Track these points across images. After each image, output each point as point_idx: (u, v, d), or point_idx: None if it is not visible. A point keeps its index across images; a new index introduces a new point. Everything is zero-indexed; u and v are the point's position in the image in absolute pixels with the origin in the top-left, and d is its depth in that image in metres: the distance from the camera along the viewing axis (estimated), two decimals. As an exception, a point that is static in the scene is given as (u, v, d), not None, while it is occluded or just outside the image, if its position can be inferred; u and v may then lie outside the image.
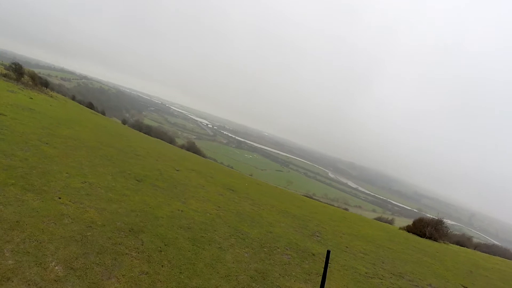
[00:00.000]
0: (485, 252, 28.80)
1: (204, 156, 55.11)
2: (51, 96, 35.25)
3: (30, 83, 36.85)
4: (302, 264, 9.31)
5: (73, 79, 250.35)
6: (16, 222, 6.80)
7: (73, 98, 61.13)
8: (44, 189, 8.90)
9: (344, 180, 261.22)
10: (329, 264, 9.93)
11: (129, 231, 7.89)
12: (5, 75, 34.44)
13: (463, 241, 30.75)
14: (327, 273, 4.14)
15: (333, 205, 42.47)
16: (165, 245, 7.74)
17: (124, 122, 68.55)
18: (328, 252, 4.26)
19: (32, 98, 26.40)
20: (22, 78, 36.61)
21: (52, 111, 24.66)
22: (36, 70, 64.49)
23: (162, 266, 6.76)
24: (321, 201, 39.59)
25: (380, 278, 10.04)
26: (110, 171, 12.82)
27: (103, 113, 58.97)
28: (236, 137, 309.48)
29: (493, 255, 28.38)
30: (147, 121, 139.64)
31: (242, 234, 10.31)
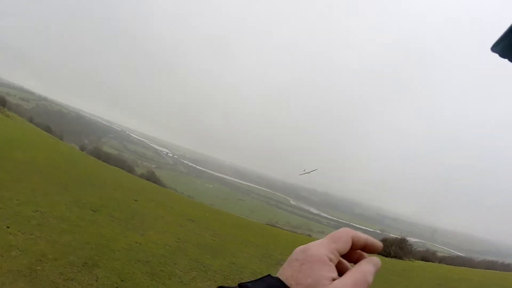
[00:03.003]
0: (451, 264, 29.52)
1: (164, 186, 53.96)
2: (8, 116, 33.95)
3: (-16, 100, 35.41)
4: (267, 296, 9.00)
5: (32, 99, 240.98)
6: (-44, 254, 6.21)
7: (31, 120, 59.14)
8: (-9, 219, 8.29)
9: (306, 207, 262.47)
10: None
11: (83, 265, 7.34)
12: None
13: (428, 256, 31.25)
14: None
15: (296, 232, 42.42)
16: (122, 280, 7.25)
17: (82, 148, 66.47)
18: None
19: (-16, 119, 25.23)
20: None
21: (7, 132, 23.72)
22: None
23: (119, 303, 6.31)
24: (284, 229, 39.49)
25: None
26: (65, 199, 12.18)
27: (61, 138, 57.05)
28: (197, 167, 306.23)
29: (459, 266, 29.20)
30: (106, 148, 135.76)
31: (204, 267, 9.92)
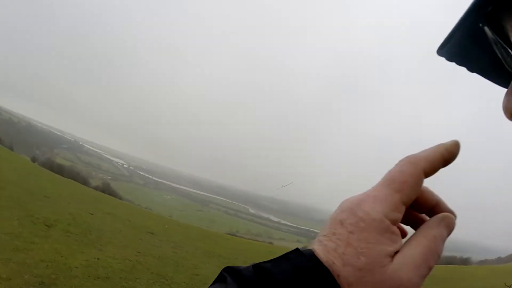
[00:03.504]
0: None
1: (120, 198, 52.87)
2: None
3: None
4: (232, 308, 8.93)
5: None
6: None
7: (-21, 130, 56.34)
8: None
9: (266, 215, 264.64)
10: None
11: (40, 284, 6.98)
12: None
13: None
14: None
15: (257, 240, 42.70)
16: (82, 298, 6.96)
17: (33, 160, 63.71)
18: None
19: None
20: None
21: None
22: None
23: (79, 324, 6.01)
24: (245, 238, 39.60)
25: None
26: (16, 215, 11.57)
27: (11, 149, 54.55)
28: (154, 178, 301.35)
29: None
30: (59, 160, 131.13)
31: (167, 280, 9.74)
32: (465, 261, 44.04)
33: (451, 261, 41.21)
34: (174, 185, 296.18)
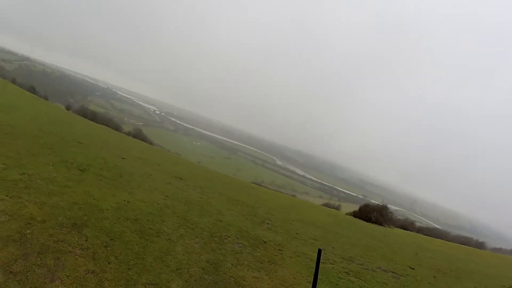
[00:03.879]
0: (427, 235, 31.03)
1: (151, 143, 53.94)
2: (-11, 79, 32.93)
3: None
4: (254, 253, 9.32)
5: (14, 60, 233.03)
6: None
7: (14, 82, 57.78)
8: (-23, 183, 8.22)
9: (292, 168, 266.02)
10: (281, 252, 10.03)
11: (72, 226, 7.37)
12: None
13: (406, 225, 32.76)
14: (318, 272, 4.00)
15: (281, 192, 43.15)
16: (111, 239, 7.37)
17: (68, 107, 65.39)
18: (319, 251, 4.02)
19: (-38, 81, 24.53)
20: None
21: (-12, 95, 23.07)
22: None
23: (109, 263, 6.42)
24: (269, 188, 40.09)
25: (331, 263, 10.30)
26: (51, 160, 12.01)
27: (46, 98, 56.07)
28: (184, 124, 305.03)
29: (435, 237, 30.61)
30: (92, 107, 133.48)
31: (192, 224, 10.14)
32: (480, 245, 44.13)
33: (467, 242, 41.52)
34: (204, 132, 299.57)
